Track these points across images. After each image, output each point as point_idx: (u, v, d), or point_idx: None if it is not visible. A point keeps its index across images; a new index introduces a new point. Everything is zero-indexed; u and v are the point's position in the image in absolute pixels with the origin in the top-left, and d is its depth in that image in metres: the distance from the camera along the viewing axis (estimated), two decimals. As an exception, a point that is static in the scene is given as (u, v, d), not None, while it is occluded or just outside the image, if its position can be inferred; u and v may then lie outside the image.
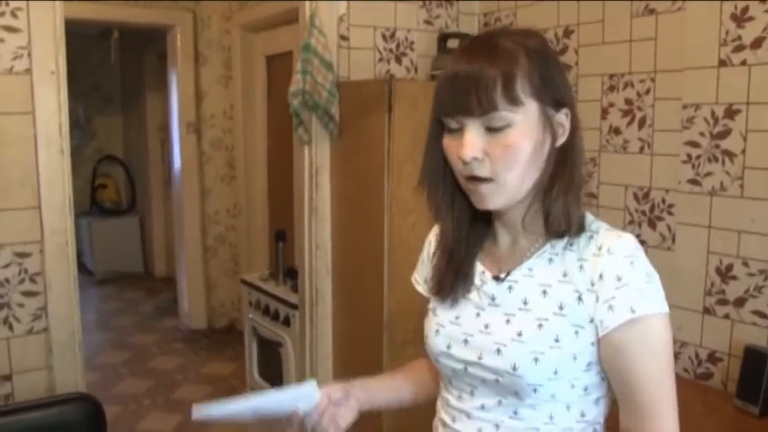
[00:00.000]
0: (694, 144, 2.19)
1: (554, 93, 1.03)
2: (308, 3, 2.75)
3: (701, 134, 2.17)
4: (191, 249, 5.18)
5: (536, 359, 1.03)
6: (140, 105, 7.03)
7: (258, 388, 3.31)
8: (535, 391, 1.04)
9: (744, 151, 2.06)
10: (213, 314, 5.31)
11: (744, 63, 2.04)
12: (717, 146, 2.13)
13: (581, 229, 1.07)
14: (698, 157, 2.19)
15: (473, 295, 1.14)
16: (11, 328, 2.35)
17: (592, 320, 1.02)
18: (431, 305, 1.22)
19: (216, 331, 5.25)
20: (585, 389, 1.06)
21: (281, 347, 3.05)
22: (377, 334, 2.51)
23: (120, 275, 6.98)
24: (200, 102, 5.02)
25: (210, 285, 5.26)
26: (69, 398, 2.13)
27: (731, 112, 2.09)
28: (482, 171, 1.03)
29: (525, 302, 1.08)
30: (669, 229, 2.29)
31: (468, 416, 1.13)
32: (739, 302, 2.09)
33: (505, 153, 1.01)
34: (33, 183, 2.34)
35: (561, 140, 1.06)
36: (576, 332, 1.03)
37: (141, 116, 7.04)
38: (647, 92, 2.33)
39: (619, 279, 1.00)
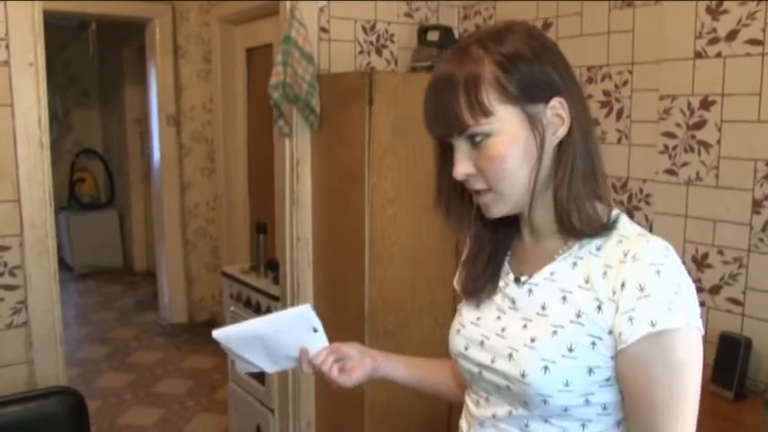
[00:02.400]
0: (671, 135, 2.23)
1: (536, 89, 0.98)
2: (288, -5, 2.75)
3: (678, 125, 2.21)
4: (171, 243, 5.16)
5: (546, 367, 0.98)
6: (119, 98, 6.98)
7: (240, 382, 3.32)
8: (545, 402, 0.99)
9: (719, 141, 2.10)
10: (194, 308, 5.30)
11: (719, 55, 2.08)
12: (693, 136, 2.17)
13: (605, 229, 1.01)
14: (674, 147, 2.22)
15: (497, 297, 1.11)
16: (-10, 321, 2.33)
17: (611, 332, 0.95)
18: (459, 304, 1.20)
19: (196, 325, 5.25)
20: (604, 407, 1.00)
21: (262, 340, 3.06)
22: (358, 325, 2.53)
23: (100, 270, 6.94)
24: (180, 94, 5.00)
25: (191, 279, 5.25)
26: (50, 391, 2.11)
27: (707, 104, 2.12)
28: (478, 184, 1.02)
29: (543, 307, 1.03)
30: (646, 218, 2.32)
31: (482, 425, 1.11)
32: (715, 290, 2.13)
33: (491, 164, 0.99)
34: (12, 176, 2.32)
35: (562, 131, 1.00)
36: (593, 343, 0.97)
37: (120, 109, 6.99)
38: (625, 83, 2.36)
39: (641, 289, 0.93)
